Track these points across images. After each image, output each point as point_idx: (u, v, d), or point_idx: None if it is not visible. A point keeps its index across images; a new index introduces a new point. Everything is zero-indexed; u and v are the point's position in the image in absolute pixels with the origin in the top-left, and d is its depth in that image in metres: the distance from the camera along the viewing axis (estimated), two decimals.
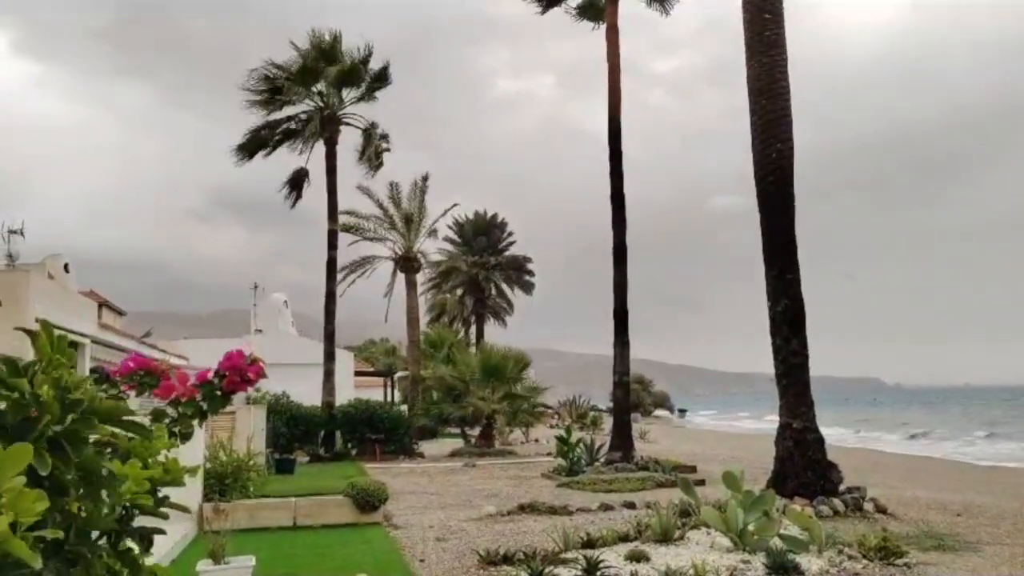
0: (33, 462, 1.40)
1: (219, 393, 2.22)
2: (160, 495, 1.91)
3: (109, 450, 1.75)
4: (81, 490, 1.59)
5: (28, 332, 1.70)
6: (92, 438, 1.64)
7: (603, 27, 20.91)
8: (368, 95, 23.75)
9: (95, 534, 1.71)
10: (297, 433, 20.46)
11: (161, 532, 1.97)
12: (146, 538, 1.88)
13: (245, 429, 14.31)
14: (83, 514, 1.62)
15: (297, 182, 24.07)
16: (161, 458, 1.94)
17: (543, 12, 22.39)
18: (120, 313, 26.14)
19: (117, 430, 1.72)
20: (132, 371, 2.36)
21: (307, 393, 22.26)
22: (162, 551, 7.08)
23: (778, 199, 12.56)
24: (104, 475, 1.63)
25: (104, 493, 1.66)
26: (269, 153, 23.56)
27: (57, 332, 1.72)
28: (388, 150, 24.36)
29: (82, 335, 14.80)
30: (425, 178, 33.24)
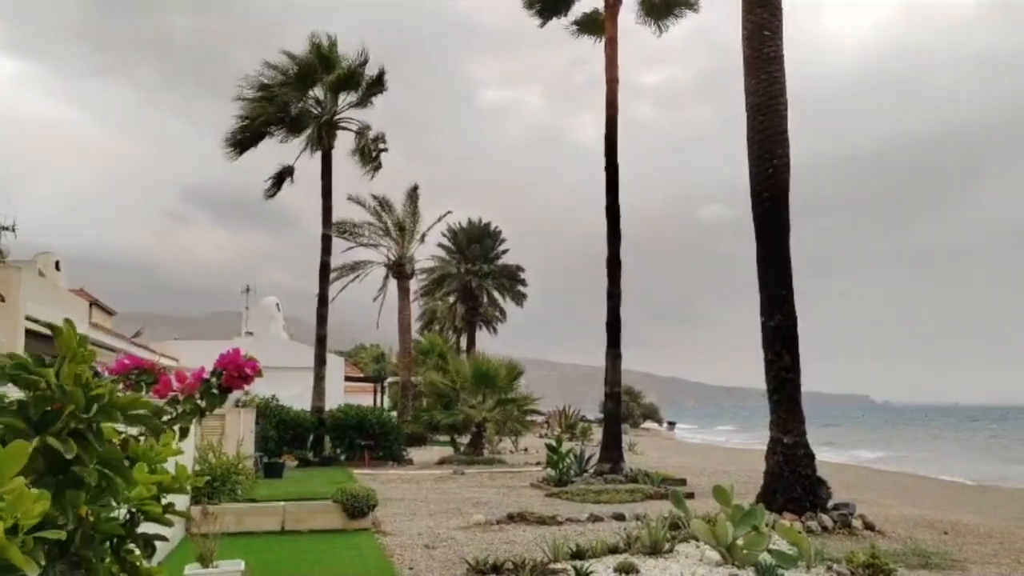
0: (60, 448, 1.38)
1: (216, 391, 2.22)
2: (164, 502, 1.90)
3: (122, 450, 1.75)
4: (100, 483, 1.58)
5: (52, 327, 1.69)
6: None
7: (602, 41, 21.01)
8: (364, 100, 23.73)
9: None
10: (286, 437, 20.35)
11: (164, 539, 1.96)
12: (150, 544, 1.88)
13: (234, 432, 14.24)
14: (91, 518, 1.62)
15: (280, 178, 23.91)
16: (169, 466, 1.93)
17: (542, 25, 22.44)
18: (110, 313, 26.03)
19: (132, 431, 1.71)
20: (128, 369, 2.35)
21: (297, 397, 22.16)
22: None
23: (773, 215, 12.61)
24: (124, 465, 1.63)
25: (117, 490, 1.65)
26: (260, 142, 23.19)
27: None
28: (386, 150, 24.30)
29: None
30: (415, 188, 33.58)
